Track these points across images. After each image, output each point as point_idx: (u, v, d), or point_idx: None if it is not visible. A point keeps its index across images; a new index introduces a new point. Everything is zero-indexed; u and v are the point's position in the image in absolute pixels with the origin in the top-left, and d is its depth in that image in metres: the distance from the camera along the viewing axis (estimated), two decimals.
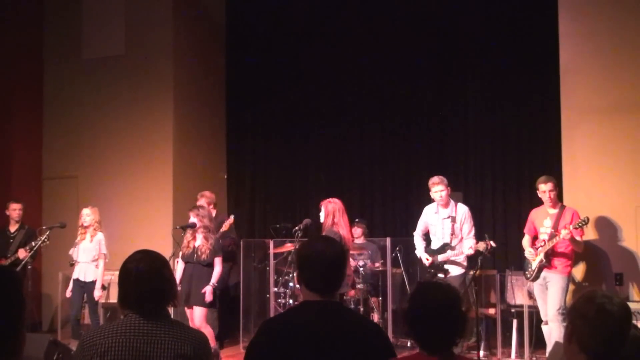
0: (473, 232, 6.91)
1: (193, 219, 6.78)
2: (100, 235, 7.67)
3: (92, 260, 7.59)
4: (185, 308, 6.73)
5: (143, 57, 9.75)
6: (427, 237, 7.19)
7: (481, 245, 6.47)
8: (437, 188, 6.83)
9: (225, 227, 7.94)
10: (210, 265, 6.66)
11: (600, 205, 6.90)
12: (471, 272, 7.08)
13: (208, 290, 6.59)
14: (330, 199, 6.42)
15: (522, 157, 8.70)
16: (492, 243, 6.38)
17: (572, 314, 2.31)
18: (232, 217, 8.13)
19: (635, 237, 6.85)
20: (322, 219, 6.34)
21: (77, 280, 7.60)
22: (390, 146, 9.60)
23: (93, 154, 9.93)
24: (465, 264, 6.88)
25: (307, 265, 2.69)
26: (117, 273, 8.43)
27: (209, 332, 6.64)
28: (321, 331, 2.55)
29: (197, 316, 6.58)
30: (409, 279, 7.86)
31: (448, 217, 6.89)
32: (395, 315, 7.54)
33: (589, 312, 2.22)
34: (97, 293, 7.52)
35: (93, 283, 7.54)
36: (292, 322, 2.63)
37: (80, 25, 10.19)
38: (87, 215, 7.67)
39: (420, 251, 7.04)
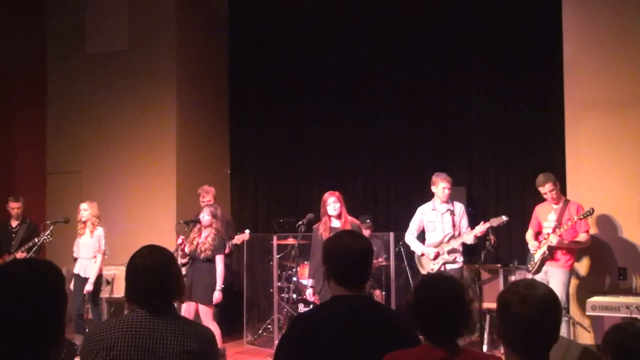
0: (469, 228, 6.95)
1: (207, 216, 6.76)
2: (100, 231, 7.67)
3: (92, 256, 7.59)
4: (184, 302, 6.73)
5: (146, 52, 9.76)
6: (419, 238, 7.18)
7: (497, 220, 6.52)
8: (446, 185, 6.86)
9: (238, 241, 7.88)
10: (209, 261, 6.67)
11: (604, 200, 6.88)
12: (463, 266, 7.12)
13: (216, 296, 6.62)
14: (335, 192, 6.59)
15: (526, 152, 8.69)
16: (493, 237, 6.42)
17: (497, 309, 2.25)
18: (247, 233, 7.94)
19: (639, 231, 6.84)
20: (336, 211, 6.41)
21: (77, 276, 7.63)
22: (393, 141, 9.60)
23: (96, 149, 9.95)
24: (462, 255, 6.91)
25: (336, 260, 2.72)
26: (120, 268, 8.52)
27: (214, 329, 6.65)
28: (352, 325, 2.58)
29: (202, 314, 6.60)
30: (412, 273, 7.87)
31: (447, 211, 6.91)
32: (398, 308, 7.55)
33: (512, 306, 2.14)
34: (88, 287, 7.47)
35: None
36: (324, 317, 2.67)
37: (83, 21, 10.21)
38: (85, 209, 7.67)
39: (421, 248, 7.01)
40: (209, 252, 6.64)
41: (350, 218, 6.51)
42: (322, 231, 6.47)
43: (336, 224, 6.43)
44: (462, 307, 2.38)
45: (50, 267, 1.83)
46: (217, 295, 6.63)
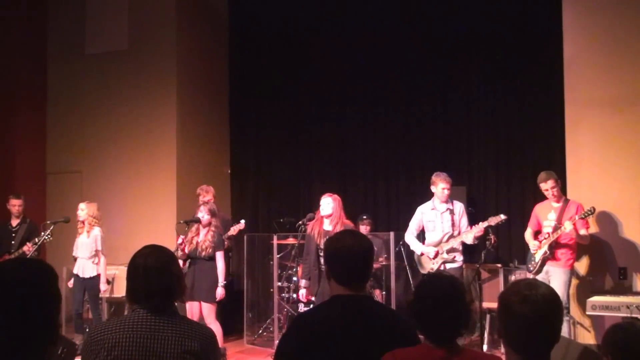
0: (469, 227, 6.94)
1: (206, 215, 6.76)
2: (96, 231, 7.65)
3: (89, 256, 7.59)
4: (187, 303, 6.73)
5: (146, 52, 9.76)
6: (418, 238, 7.19)
7: (496, 219, 6.51)
8: (445, 186, 6.87)
9: (234, 231, 7.88)
10: (211, 259, 6.68)
11: (604, 199, 6.88)
12: (463, 265, 7.11)
13: (219, 292, 6.65)
14: (333, 194, 6.52)
15: (526, 151, 8.69)
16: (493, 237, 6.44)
17: (498, 309, 2.24)
18: (243, 223, 7.96)
19: (639, 230, 6.83)
20: (327, 211, 6.35)
21: (76, 275, 7.64)
22: (394, 141, 9.59)
23: (96, 149, 9.95)
24: (462, 254, 6.92)
25: (337, 260, 2.73)
26: (121, 267, 8.49)
27: (217, 328, 6.65)
28: (352, 325, 2.59)
29: (205, 312, 6.60)
30: (412, 273, 7.87)
31: (447, 210, 6.92)
32: (398, 308, 7.55)
33: (513, 305, 2.13)
34: (103, 287, 7.56)
35: (91, 279, 7.57)
36: (324, 317, 2.68)
37: (83, 21, 10.21)
38: (81, 209, 7.68)
39: (421, 248, 7.02)
40: (210, 250, 6.65)
41: (345, 221, 6.40)
42: (311, 231, 6.47)
43: (327, 226, 6.39)
44: (462, 307, 2.39)
45: (43, 266, 1.83)
46: (220, 292, 6.66)
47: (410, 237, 7.13)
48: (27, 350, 1.68)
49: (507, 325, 2.17)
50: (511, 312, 2.14)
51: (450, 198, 7.02)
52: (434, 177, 6.98)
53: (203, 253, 6.65)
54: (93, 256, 7.60)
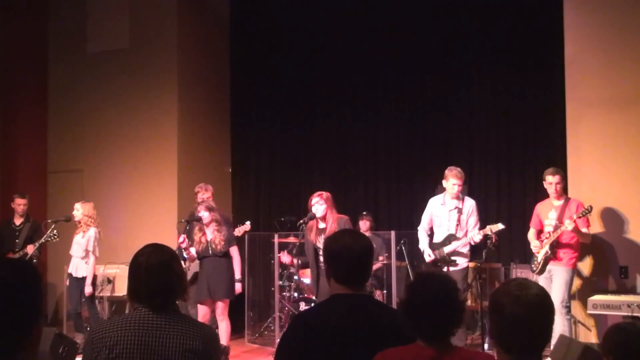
0: (478, 226, 6.79)
1: (204, 212, 6.76)
2: (91, 231, 7.61)
3: (82, 256, 7.58)
4: (199, 305, 6.73)
5: (147, 50, 9.76)
6: (431, 231, 7.12)
7: (494, 227, 6.44)
8: (457, 182, 6.68)
9: (239, 232, 7.86)
10: (226, 256, 6.68)
11: (605, 198, 6.87)
12: (472, 264, 7.07)
13: (238, 287, 6.71)
14: (323, 192, 6.42)
15: (527, 150, 8.68)
16: (494, 235, 6.39)
17: (489, 310, 2.22)
18: (248, 224, 7.83)
19: None
20: (320, 213, 6.29)
21: (71, 275, 7.65)
22: (394, 139, 9.59)
23: (98, 147, 9.96)
24: (468, 257, 6.85)
25: (337, 259, 2.73)
26: (122, 267, 8.50)
27: (227, 325, 6.65)
28: (352, 323, 2.59)
29: (220, 310, 6.60)
30: (413, 272, 7.86)
31: (455, 208, 6.83)
32: (399, 308, 7.52)
33: (504, 306, 2.11)
34: (87, 289, 7.49)
35: (84, 279, 7.55)
36: (324, 316, 2.68)
37: (84, 20, 10.23)
38: (77, 209, 7.68)
39: (424, 246, 6.96)
40: (224, 245, 6.66)
41: (337, 216, 6.31)
42: (309, 231, 6.44)
43: (322, 225, 6.34)
44: (452, 306, 2.39)
45: (25, 265, 1.83)
46: (238, 287, 6.72)
47: (420, 231, 6.99)
48: (7, 349, 1.66)
49: (498, 326, 2.16)
50: (502, 313, 2.12)
51: (463, 194, 6.90)
52: (446, 171, 6.77)
53: (218, 247, 6.64)
54: (86, 256, 7.59)
